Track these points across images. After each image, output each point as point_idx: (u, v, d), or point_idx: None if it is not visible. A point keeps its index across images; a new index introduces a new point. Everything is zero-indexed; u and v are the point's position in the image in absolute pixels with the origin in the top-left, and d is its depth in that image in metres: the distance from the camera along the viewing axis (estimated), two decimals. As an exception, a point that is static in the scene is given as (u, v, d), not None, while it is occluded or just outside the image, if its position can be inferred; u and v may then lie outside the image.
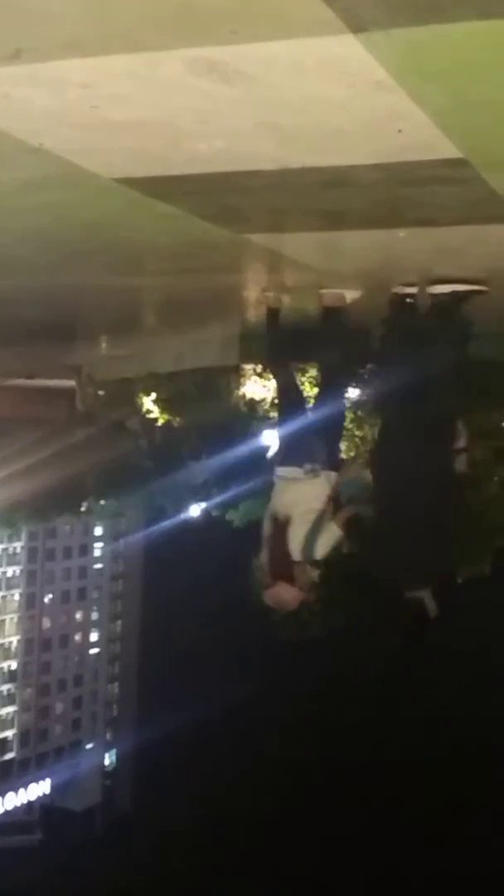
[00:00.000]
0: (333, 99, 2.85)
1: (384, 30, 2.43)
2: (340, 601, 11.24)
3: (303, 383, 5.79)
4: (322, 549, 5.38)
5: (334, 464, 5.63)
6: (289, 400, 6.11)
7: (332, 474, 5.53)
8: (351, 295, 5.68)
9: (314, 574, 5.59)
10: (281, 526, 5.42)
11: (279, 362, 6.21)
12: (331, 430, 5.79)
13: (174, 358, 9.04)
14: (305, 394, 5.83)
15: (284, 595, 5.44)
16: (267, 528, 5.52)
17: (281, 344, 6.03)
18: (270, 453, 6.38)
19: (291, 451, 5.69)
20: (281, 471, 5.62)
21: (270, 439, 10.77)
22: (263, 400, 11.26)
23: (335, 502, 5.46)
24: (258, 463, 10.49)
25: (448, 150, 3.24)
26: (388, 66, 2.62)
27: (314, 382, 5.74)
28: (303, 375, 5.89)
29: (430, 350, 5.18)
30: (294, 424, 5.88)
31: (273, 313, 5.93)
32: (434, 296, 5.25)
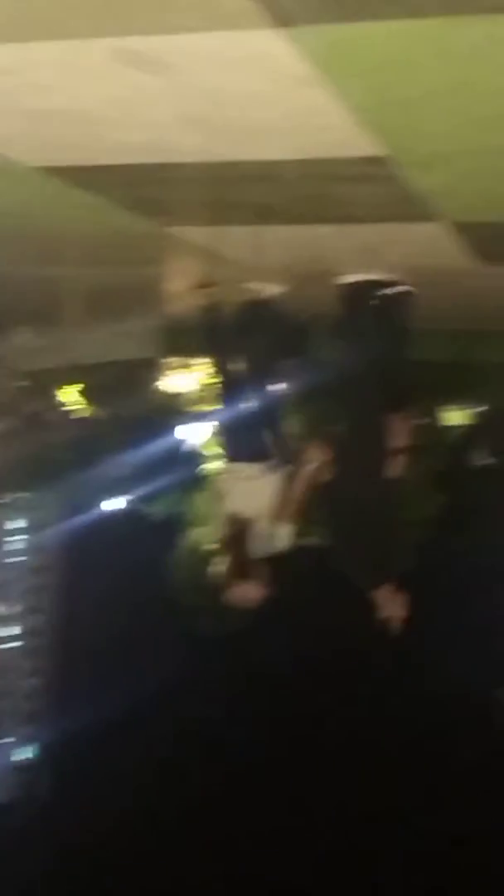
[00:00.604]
0: (258, 93, 2.86)
1: (309, 25, 2.44)
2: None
3: (245, 376, 5.74)
4: (281, 541, 5.39)
5: (287, 457, 5.58)
6: (234, 394, 6.05)
7: (286, 467, 5.50)
8: (277, 288, 5.70)
9: (273, 569, 5.56)
10: (240, 526, 5.41)
11: (222, 356, 6.13)
12: (279, 424, 5.74)
13: (97, 349, 8.97)
14: (249, 387, 5.77)
15: (246, 592, 5.42)
16: (225, 527, 5.51)
17: (224, 337, 5.97)
18: (217, 449, 6.30)
19: (242, 447, 5.65)
20: (232, 467, 5.60)
21: (193, 432, 10.76)
22: (186, 393, 11.23)
23: (290, 496, 5.46)
24: (180, 456, 10.46)
25: (370, 147, 3.28)
26: (313, 61, 2.64)
27: (257, 375, 5.68)
28: (244, 368, 5.85)
29: (372, 344, 5.24)
30: (242, 419, 5.83)
31: (213, 307, 5.86)
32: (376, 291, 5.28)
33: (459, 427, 10.68)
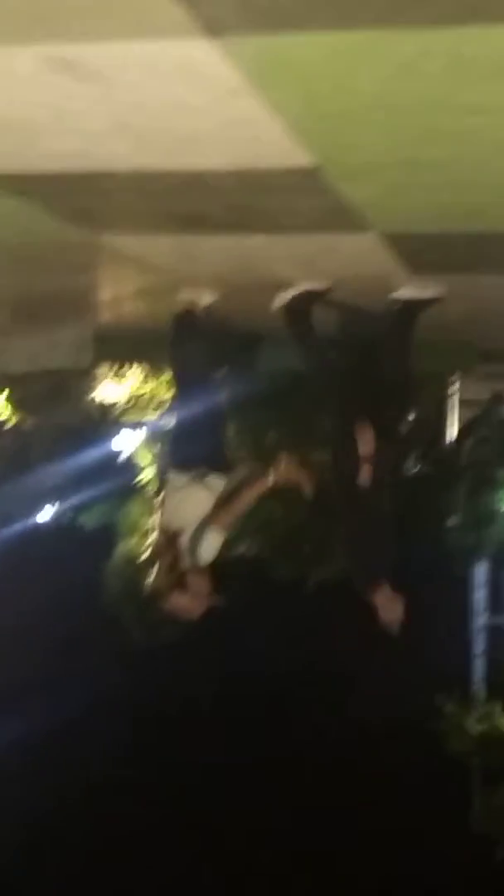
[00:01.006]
0: (189, 102, 2.86)
1: (241, 36, 2.45)
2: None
3: (187, 385, 5.70)
4: (208, 553, 5.33)
5: (221, 466, 5.56)
6: (175, 402, 6.02)
7: (220, 479, 5.46)
8: (209, 297, 5.67)
9: (209, 580, 5.51)
10: (172, 535, 5.35)
11: (188, 366, 6.06)
12: (215, 433, 5.71)
13: (26, 358, 8.89)
14: (191, 397, 5.74)
15: (181, 604, 5.37)
16: (158, 536, 5.45)
17: (192, 348, 5.85)
18: (151, 458, 6.27)
19: (177, 456, 5.62)
20: (169, 476, 5.55)
21: (126, 442, 10.69)
22: (118, 402, 11.17)
23: (222, 506, 5.41)
24: (113, 466, 10.38)
25: (302, 158, 3.29)
26: (244, 72, 2.64)
27: (197, 385, 5.65)
28: (186, 377, 5.82)
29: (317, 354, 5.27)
30: (180, 428, 5.81)
31: (186, 316, 5.76)
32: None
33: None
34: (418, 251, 4.61)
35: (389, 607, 5.36)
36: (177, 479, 5.47)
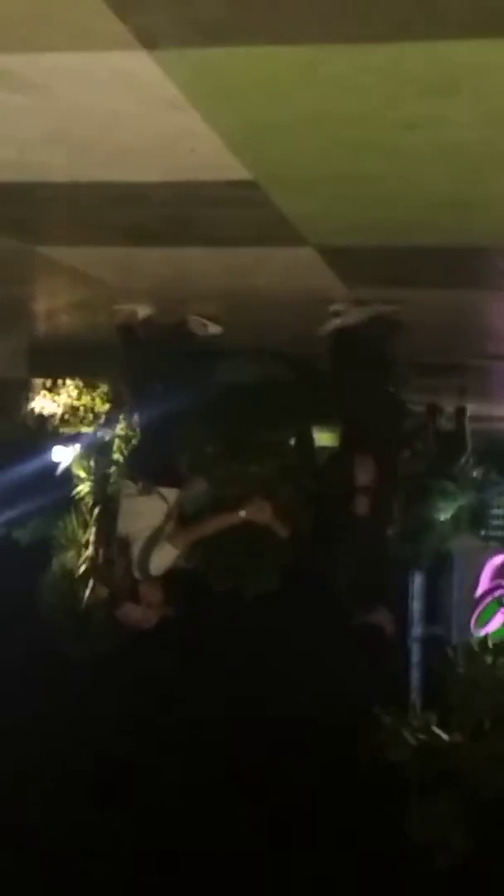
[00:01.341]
0: (125, 114, 2.85)
1: (177, 48, 2.44)
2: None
3: (138, 398, 5.70)
4: (158, 565, 5.33)
5: (174, 480, 5.56)
6: (129, 415, 6.01)
7: (171, 491, 5.46)
8: (146, 310, 5.68)
9: (161, 590, 5.48)
10: (122, 545, 5.39)
11: (133, 378, 6.08)
12: (167, 446, 5.72)
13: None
14: (141, 409, 5.74)
15: (133, 614, 5.40)
16: (111, 546, 5.51)
17: (135, 360, 5.92)
18: (100, 469, 6.30)
19: (130, 467, 5.74)
20: (124, 486, 5.59)
21: (60, 455, 10.60)
22: (53, 415, 11.10)
23: (178, 519, 5.43)
24: (47, 479, 10.30)
25: (239, 171, 3.30)
26: (181, 84, 2.64)
27: (148, 397, 5.64)
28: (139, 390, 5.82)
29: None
30: (130, 439, 5.78)
31: (125, 329, 5.79)
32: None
33: (328, 448, 10.82)
34: (354, 265, 4.64)
35: (386, 627, 5.42)
36: (128, 489, 5.50)
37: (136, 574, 5.33)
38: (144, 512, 5.40)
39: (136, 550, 5.33)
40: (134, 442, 5.72)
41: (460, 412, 9.50)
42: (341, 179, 3.38)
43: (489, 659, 8.85)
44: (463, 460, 9.40)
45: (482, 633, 9.69)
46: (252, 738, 11.00)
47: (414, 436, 9.93)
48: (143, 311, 5.64)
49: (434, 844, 8.70)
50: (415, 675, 12.48)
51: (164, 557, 5.35)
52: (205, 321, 5.76)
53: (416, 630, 13.02)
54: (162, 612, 5.46)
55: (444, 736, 8.57)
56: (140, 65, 2.50)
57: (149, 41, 2.40)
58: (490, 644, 9.13)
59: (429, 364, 7.61)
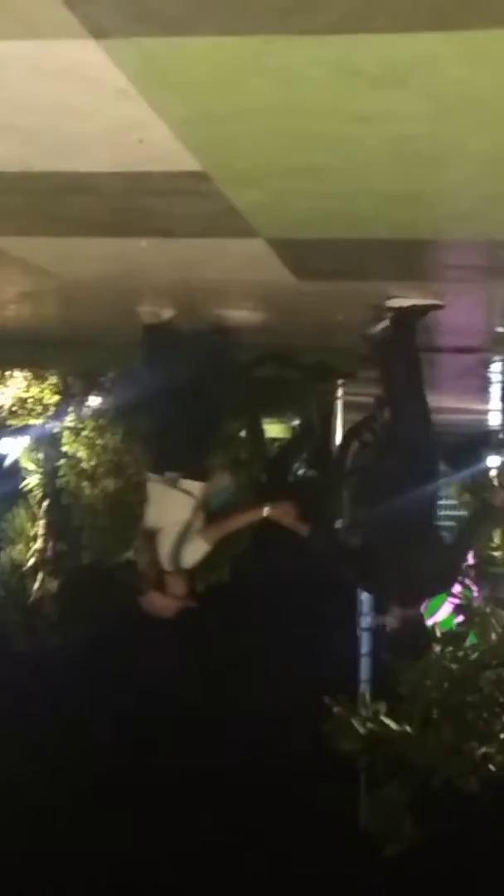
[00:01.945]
0: (74, 104, 2.82)
1: (126, 38, 2.43)
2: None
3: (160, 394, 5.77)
4: (189, 559, 5.44)
5: (199, 473, 5.63)
6: (151, 410, 6.16)
7: (196, 484, 5.53)
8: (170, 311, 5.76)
9: (187, 582, 5.59)
10: (150, 536, 5.48)
11: (157, 375, 6.01)
12: (193, 440, 5.75)
13: None
14: (163, 404, 5.81)
15: (158, 602, 5.51)
16: (140, 536, 5.60)
17: (159, 357, 5.92)
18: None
19: (157, 460, 5.77)
20: (151, 478, 5.67)
21: (8, 447, 10.53)
22: (1, 407, 11.01)
23: (204, 513, 5.51)
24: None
25: (189, 162, 3.29)
26: (130, 74, 2.62)
27: (170, 393, 5.72)
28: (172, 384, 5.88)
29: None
30: (156, 434, 6.04)
31: (153, 329, 5.86)
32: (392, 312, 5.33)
33: (279, 439, 10.87)
34: (304, 257, 4.65)
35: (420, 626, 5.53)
36: (154, 482, 5.59)
37: (166, 566, 5.42)
38: (170, 505, 5.48)
39: (164, 542, 5.41)
40: (160, 436, 5.90)
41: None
42: (292, 171, 3.38)
43: (437, 648, 8.93)
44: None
45: (431, 621, 9.77)
46: (201, 732, 11.01)
47: (363, 427, 9.99)
48: (167, 312, 5.76)
49: (384, 833, 8.78)
50: (364, 665, 12.57)
51: (195, 551, 5.45)
52: (226, 315, 5.85)
53: (366, 620, 13.10)
54: (185, 603, 5.59)
55: (394, 725, 8.64)
56: (89, 54, 2.48)
57: (98, 31, 2.38)
58: (438, 633, 9.21)
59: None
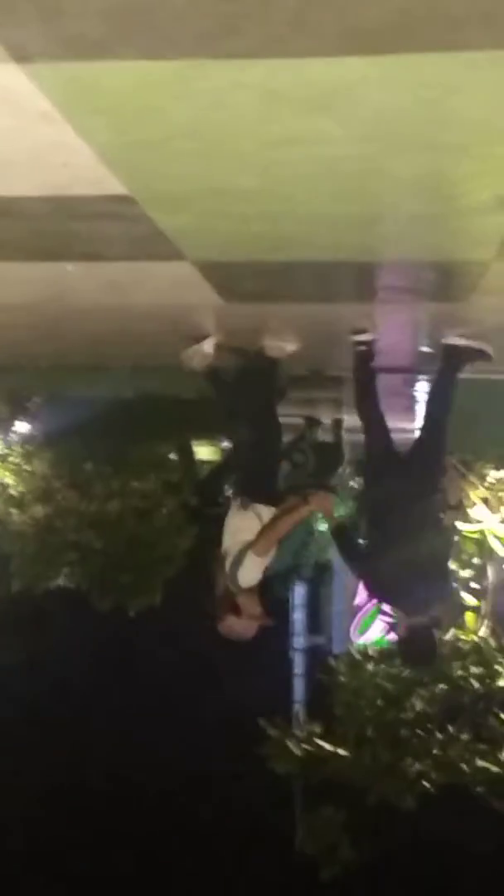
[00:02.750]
0: (-1, 127, 2.80)
1: (50, 62, 2.42)
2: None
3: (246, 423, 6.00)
4: (248, 577, 5.50)
5: (270, 498, 5.73)
6: (237, 439, 6.36)
7: (268, 509, 5.64)
8: (291, 346, 5.93)
9: (259, 601, 5.65)
10: (220, 560, 5.61)
11: (229, 410, 6.31)
12: (264, 465, 5.93)
13: None
14: (249, 432, 6.02)
15: (235, 626, 5.58)
16: (216, 560, 5.68)
17: (228, 392, 6.17)
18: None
19: (234, 485, 6.00)
20: (231, 502, 5.83)
21: None
22: None
23: (262, 533, 5.58)
24: None
25: (114, 186, 3.28)
26: (54, 98, 2.61)
27: (256, 422, 5.96)
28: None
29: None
30: (235, 459, 6.27)
31: (212, 372, 6.11)
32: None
33: (209, 462, 10.85)
34: (232, 280, 4.66)
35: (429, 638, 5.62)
36: (233, 506, 5.76)
37: (232, 587, 5.51)
38: (242, 529, 5.61)
39: (227, 564, 5.54)
40: (239, 462, 6.18)
41: (337, 424, 9.64)
42: (217, 194, 3.39)
43: (370, 667, 8.97)
44: (340, 471, 9.56)
45: (362, 640, 9.83)
46: (135, 755, 10.91)
47: (292, 448, 10.03)
48: (208, 345, 5.91)
49: (320, 854, 8.77)
50: (298, 686, 12.57)
51: (252, 569, 5.53)
52: (280, 343, 5.94)
53: (299, 640, 13.12)
54: (262, 623, 5.66)
55: (329, 746, 8.65)
56: (12, 78, 2.47)
57: (21, 55, 2.37)
58: (371, 652, 9.25)
59: (305, 377, 7.69)
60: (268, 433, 6.03)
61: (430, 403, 5.74)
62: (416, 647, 5.54)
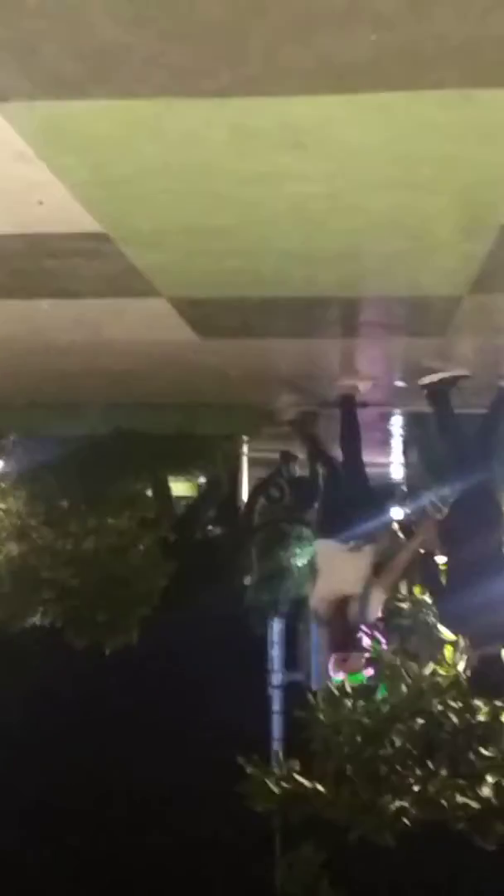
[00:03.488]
0: (-27, 166, 2.81)
1: (24, 101, 2.43)
2: None
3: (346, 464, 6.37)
4: (375, 611, 5.82)
5: (369, 536, 6.02)
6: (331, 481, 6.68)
7: (368, 546, 5.95)
8: (365, 385, 6.13)
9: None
10: (339, 602, 5.80)
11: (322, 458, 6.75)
12: (365, 507, 6.14)
13: None
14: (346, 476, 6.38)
15: (356, 664, 5.98)
16: (322, 606, 5.91)
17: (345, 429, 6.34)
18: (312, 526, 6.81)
19: (331, 527, 6.13)
20: (323, 544, 6.12)
21: None
22: None
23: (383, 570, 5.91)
24: None
25: (89, 223, 3.29)
26: (29, 137, 2.62)
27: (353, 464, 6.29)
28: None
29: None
30: (332, 502, 6.47)
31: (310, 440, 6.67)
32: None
33: (187, 498, 10.83)
34: (206, 316, 4.67)
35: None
36: (333, 549, 5.97)
37: (361, 622, 5.78)
38: (353, 567, 5.85)
39: (353, 604, 5.76)
40: (339, 506, 6.38)
41: (313, 458, 9.67)
42: (192, 231, 3.41)
43: (349, 703, 8.91)
44: (316, 505, 9.57)
45: (340, 676, 9.78)
46: (112, 797, 10.79)
47: (269, 483, 10.02)
48: (285, 400, 6.32)
49: (300, 893, 8.67)
50: (276, 723, 12.48)
51: (377, 605, 5.85)
52: (356, 383, 6.14)
53: (277, 677, 13.05)
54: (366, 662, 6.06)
55: (307, 783, 8.57)
56: (-13, 117, 2.47)
57: (-4, 93, 2.38)
58: (348, 688, 9.20)
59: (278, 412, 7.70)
60: (356, 472, 6.26)
61: (448, 442, 5.89)
62: (487, 677, 5.62)
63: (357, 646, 5.92)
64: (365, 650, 6.29)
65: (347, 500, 6.21)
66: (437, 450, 6.56)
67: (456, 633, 6.41)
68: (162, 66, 2.29)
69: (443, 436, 5.91)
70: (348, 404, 6.17)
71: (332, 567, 6.01)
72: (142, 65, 2.29)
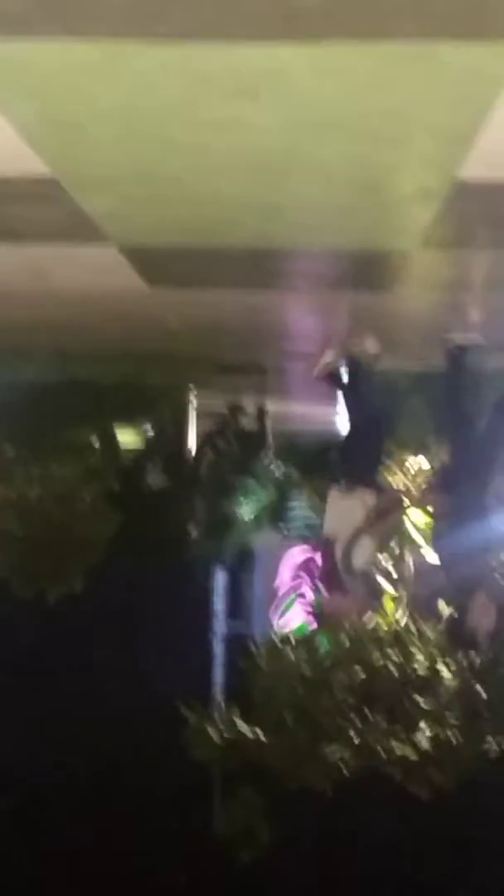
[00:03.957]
0: None
1: (-29, 38, 2.37)
2: None
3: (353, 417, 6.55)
4: (361, 559, 5.85)
5: (371, 484, 6.11)
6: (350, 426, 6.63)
7: (370, 492, 6.01)
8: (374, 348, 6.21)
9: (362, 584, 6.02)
10: (328, 542, 5.95)
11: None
12: (366, 454, 6.27)
13: None
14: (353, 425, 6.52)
15: (341, 606, 6.02)
16: (321, 544, 6.09)
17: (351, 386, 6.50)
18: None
19: (338, 472, 6.30)
20: (333, 488, 6.25)
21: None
22: None
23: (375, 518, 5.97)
24: None
25: (37, 167, 3.22)
26: (-24, 76, 2.56)
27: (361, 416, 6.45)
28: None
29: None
30: (338, 446, 6.65)
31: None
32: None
33: (133, 449, 10.79)
34: (156, 265, 4.63)
35: (484, 615, 5.78)
36: (334, 492, 6.14)
37: (342, 569, 5.81)
38: (345, 512, 5.92)
39: (339, 548, 5.83)
40: (344, 450, 6.57)
41: (261, 411, 9.67)
42: (142, 177, 3.36)
43: (290, 653, 9.01)
44: (263, 458, 9.62)
45: (282, 626, 9.89)
46: (52, 742, 10.83)
47: (216, 435, 10.02)
48: (372, 347, 6.19)
49: (239, 839, 8.81)
50: (218, 672, 12.59)
51: (365, 553, 5.88)
52: (367, 348, 6.25)
53: (221, 627, 13.14)
54: (366, 603, 6.06)
55: (248, 731, 8.67)
56: None
57: None
58: (291, 639, 9.29)
59: (229, 364, 7.69)
60: (374, 423, 6.38)
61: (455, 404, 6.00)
62: (464, 624, 5.80)
63: (342, 588, 6.00)
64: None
65: (360, 448, 6.32)
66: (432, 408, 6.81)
67: (437, 582, 6.62)
68: (114, 6, 2.23)
69: (448, 395, 6.04)
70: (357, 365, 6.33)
71: (334, 509, 6.13)
72: (94, 4, 2.23)
